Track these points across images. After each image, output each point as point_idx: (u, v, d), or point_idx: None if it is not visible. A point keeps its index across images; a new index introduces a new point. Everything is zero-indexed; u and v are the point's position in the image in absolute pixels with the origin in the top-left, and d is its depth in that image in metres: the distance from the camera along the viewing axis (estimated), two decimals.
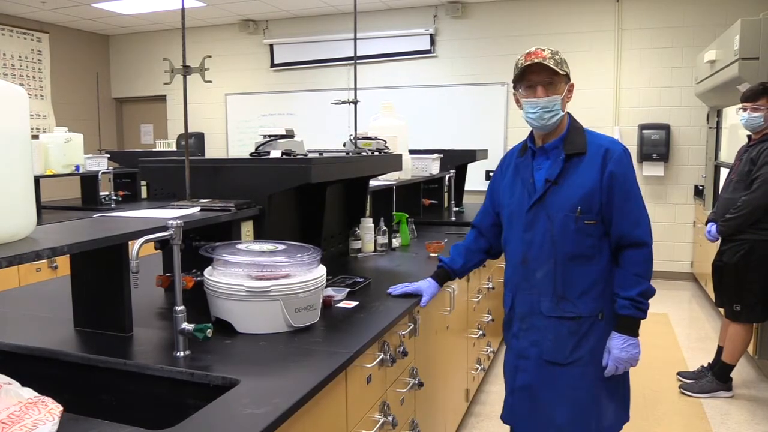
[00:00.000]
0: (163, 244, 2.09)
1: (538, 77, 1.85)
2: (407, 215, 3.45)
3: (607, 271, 1.91)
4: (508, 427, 2.15)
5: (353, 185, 3.12)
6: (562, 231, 1.88)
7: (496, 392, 3.62)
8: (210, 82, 2.27)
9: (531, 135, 2.00)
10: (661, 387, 3.71)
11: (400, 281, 2.28)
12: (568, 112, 1.95)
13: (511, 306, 2.04)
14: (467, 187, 5.39)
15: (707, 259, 4.76)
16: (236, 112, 8.34)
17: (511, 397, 2.05)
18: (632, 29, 6.64)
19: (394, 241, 3.26)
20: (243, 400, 1.29)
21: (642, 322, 1.90)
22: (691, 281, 6.53)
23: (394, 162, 3.09)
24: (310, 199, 2.69)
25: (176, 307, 1.56)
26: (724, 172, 5.24)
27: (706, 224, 3.65)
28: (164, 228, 1.58)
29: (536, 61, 1.83)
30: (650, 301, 1.89)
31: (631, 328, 1.88)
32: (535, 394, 1.97)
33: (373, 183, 3.35)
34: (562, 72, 1.84)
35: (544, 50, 1.85)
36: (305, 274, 1.77)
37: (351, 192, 3.14)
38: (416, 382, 2.13)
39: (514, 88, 1.94)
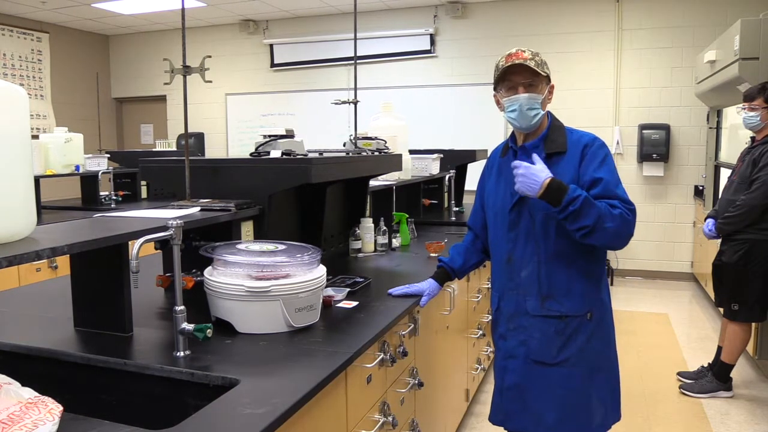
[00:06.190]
0: (163, 244, 2.09)
1: (518, 77, 1.86)
2: (407, 215, 3.45)
3: (592, 269, 1.92)
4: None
5: (353, 185, 3.12)
6: (543, 229, 1.89)
7: None
8: (210, 82, 2.26)
9: (513, 135, 2.02)
10: (661, 387, 3.70)
11: (400, 281, 2.28)
12: (549, 112, 1.96)
13: (497, 306, 2.04)
14: (467, 187, 5.36)
15: (707, 259, 4.77)
16: (236, 112, 8.34)
17: (500, 397, 2.04)
18: (632, 29, 6.64)
19: (394, 241, 3.26)
20: (243, 400, 1.29)
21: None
22: (691, 281, 6.51)
23: (394, 162, 3.09)
24: (310, 199, 2.69)
25: (176, 307, 1.56)
26: (724, 172, 5.24)
27: (705, 220, 3.66)
28: (164, 228, 1.58)
29: (517, 62, 1.83)
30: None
31: (553, 191, 1.75)
32: (523, 394, 1.96)
33: (373, 183, 3.35)
34: (543, 73, 1.85)
35: (524, 51, 1.86)
36: (305, 274, 1.77)
37: (351, 192, 3.14)
38: (416, 382, 2.13)
39: (495, 89, 1.94)
